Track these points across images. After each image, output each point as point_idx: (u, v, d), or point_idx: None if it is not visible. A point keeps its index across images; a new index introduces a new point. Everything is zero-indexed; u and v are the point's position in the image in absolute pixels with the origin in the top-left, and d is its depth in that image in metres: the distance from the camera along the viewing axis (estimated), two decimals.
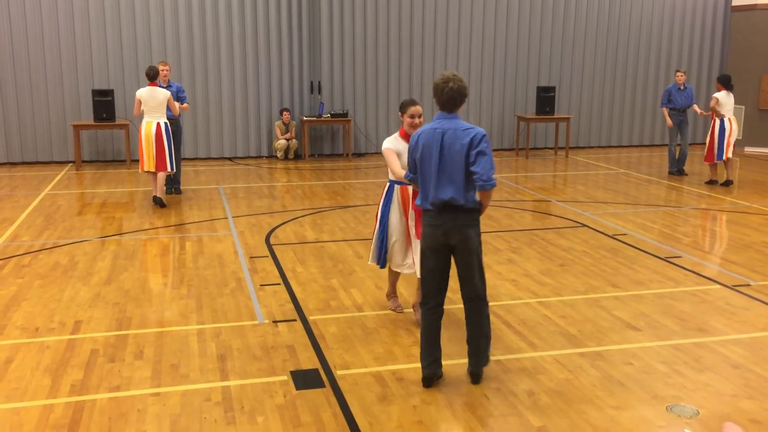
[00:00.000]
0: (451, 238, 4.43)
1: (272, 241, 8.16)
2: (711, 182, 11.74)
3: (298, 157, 14.42)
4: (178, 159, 10.48)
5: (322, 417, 4.21)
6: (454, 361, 4.89)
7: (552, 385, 4.62)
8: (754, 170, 13.33)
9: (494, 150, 15.45)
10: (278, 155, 14.22)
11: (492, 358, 4.98)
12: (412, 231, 5.40)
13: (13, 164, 13.33)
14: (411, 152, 4.53)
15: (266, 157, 14.47)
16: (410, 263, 5.49)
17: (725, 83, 11.50)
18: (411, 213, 5.39)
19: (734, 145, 11.60)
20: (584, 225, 8.95)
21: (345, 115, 14.32)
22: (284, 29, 14.14)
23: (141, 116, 9.91)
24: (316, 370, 4.82)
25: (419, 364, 4.72)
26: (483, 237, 7.31)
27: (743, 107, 15.73)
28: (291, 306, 6.04)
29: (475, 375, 4.64)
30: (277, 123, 14.17)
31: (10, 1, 12.84)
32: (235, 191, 11.07)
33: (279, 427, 4.09)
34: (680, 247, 8.00)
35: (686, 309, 6.03)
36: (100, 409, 4.29)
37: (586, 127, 16.19)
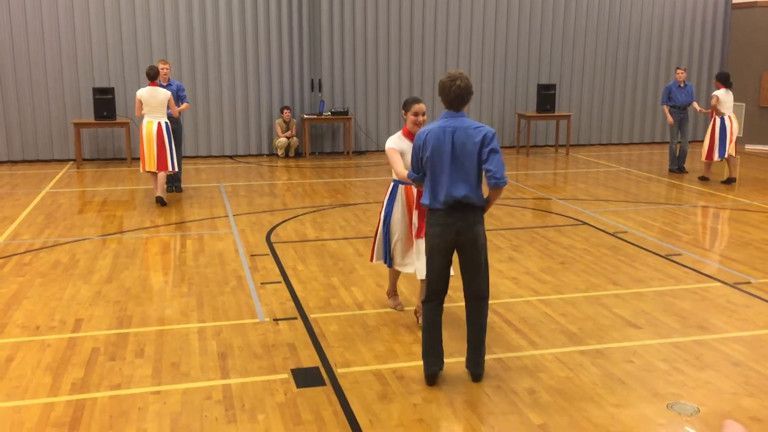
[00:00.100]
0: (462, 237, 4.43)
1: (273, 239, 8.16)
2: (703, 179, 11.76)
3: (298, 155, 14.42)
4: (179, 157, 10.48)
5: (323, 415, 4.21)
6: (455, 359, 4.89)
7: (553, 383, 4.62)
8: (755, 168, 13.32)
9: None
10: (279, 153, 14.21)
11: (493, 356, 4.98)
12: (415, 231, 5.37)
13: (14, 162, 13.33)
14: (416, 151, 4.48)
15: (267, 155, 14.47)
16: (410, 262, 5.47)
17: (724, 81, 11.50)
18: (415, 213, 5.34)
19: (736, 143, 11.61)
20: (585, 223, 8.95)
21: (345, 113, 14.32)
22: (285, 27, 14.13)
23: (141, 116, 9.91)
24: (316, 368, 4.82)
25: (420, 362, 4.72)
26: (484, 237, 7.29)
27: (743, 104, 15.72)
28: (292, 304, 6.05)
29: (476, 374, 4.65)
30: (278, 121, 14.17)
31: (11, 0, 12.84)
32: (235, 189, 11.07)
33: (280, 426, 4.09)
34: (681, 244, 8.00)
35: (687, 307, 6.03)
36: (101, 408, 4.29)
37: (586, 124, 16.19)
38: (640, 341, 5.31)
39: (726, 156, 11.42)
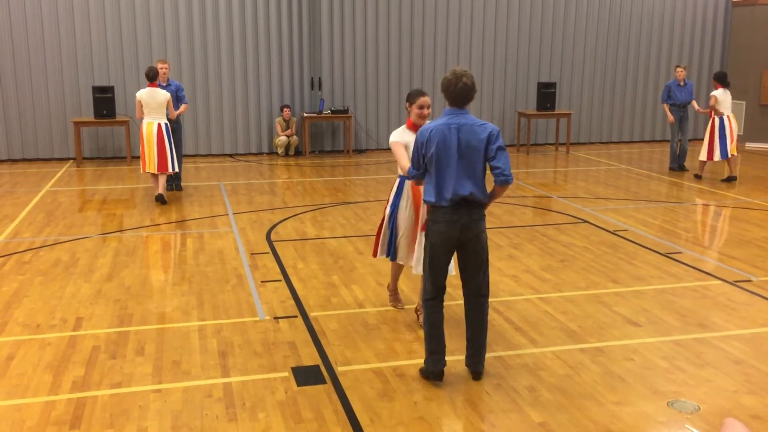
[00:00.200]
0: (466, 234, 4.43)
1: (273, 237, 8.16)
2: (696, 176, 11.77)
3: (298, 153, 14.42)
4: (180, 156, 10.49)
5: (324, 413, 4.21)
6: (455, 357, 4.88)
7: (553, 381, 4.62)
8: (755, 166, 13.32)
9: None
10: (279, 152, 14.21)
11: (493, 354, 4.99)
12: (421, 225, 5.33)
13: (14, 161, 13.33)
14: (419, 147, 4.44)
15: (267, 153, 14.47)
16: (413, 259, 5.43)
17: (722, 81, 11.51)
18: (423, 207, 5.23)
19: (737, 142, 11.61)
20: (585, 221, 8.95)
21: (345, 111, 14.31)
22: (284, 26, 14.12)
23: (141, 117, 9.93)
24: (317, 367, 4.82)
25: (420, 360, 4.72)
26: (486, 234, 7.27)
27: (744, 103, 15.72)
28: (292, 302, 6.05)
29: (477, 373, 4.65)
30: (278, 119, 14.17)
31: None
32: (235, 188, 11.07)
33: (280, 424, 4.10)
34: (681, 242, 8.00)
35: (687, 305, 6.03)
36: (102, 406, 4.29)
37: (586, 122, 16.19)
38: (640, 339, 5.31)
39: (729, 156, 11.42)
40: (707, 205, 10.07)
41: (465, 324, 4.69)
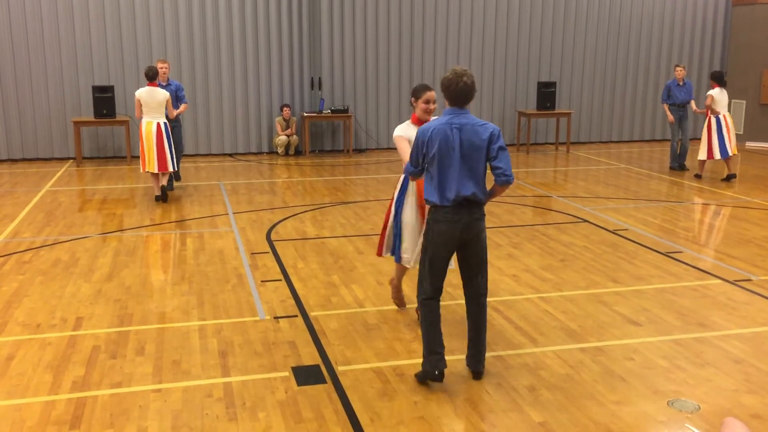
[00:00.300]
0: (468, 233, 4.43)
1: (273, 237, 8.16)
2: (697, 176, 11.78)
3: (298, 153, 14.42)
4: (179, 154, 10.54)
5: (324, 413, 4.21)
6: (455, 357, 4.89)
7: (553, 381, 4.62)
8: (755, 165, 13.32)
9: None
10: (279, 151, 14.21)
11: (493, 353, 4.99)
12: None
13: (14, 161, 13.33)
14: (419, 146, 4.41)
15: (267, 153, 14.47)
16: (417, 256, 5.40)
17: (719, 80, 11.55)
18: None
19: (735, 140, 11.62)
20: (585, 220, 8.95)
21: (345, 111, 14.31)
22: (284, 25, 14.12)
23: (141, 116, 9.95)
24: (317, 366, 4.82)
25: (420, 360, 4.71)
26: (486, 233, 7.26)
27: (744, 102, 15.72)
28: (292, 302, 6.05)
29: (478, 372, 4.64)
30: (278, 119, 14.17)
31: None
32: (235, 187, 11.06)
33: (280, 423, 4.10)
34: (681, 242, 8.00)
35: (687, 304, 6.03)
36: (102, 405, 4.29)
37: (586, 122, 16.19)
38: (640, 338, 5.31)
39: (730, 155, 11.43)
40: (707, 204, 10.07)
41: (467, 324, 4.68)
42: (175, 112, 10.14)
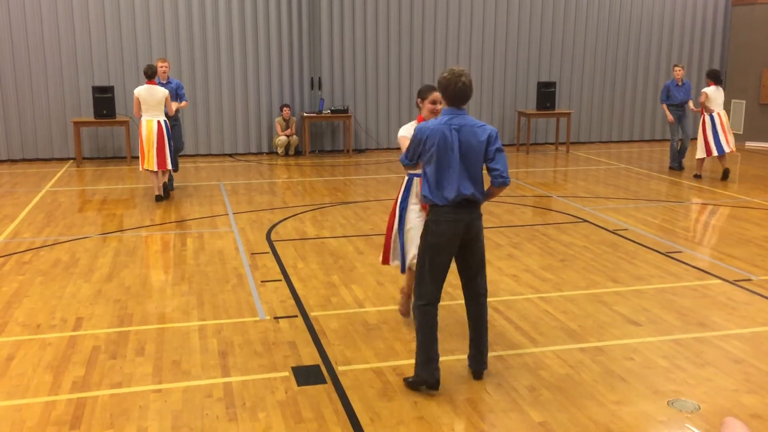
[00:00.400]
0: (468, 233, 4.42)
1: (273, 237, 8.16)
2: (696, 176, 11.79)
3: (298, 153, 14.41)
4: (178, 151, 10.60)
5: (324, 413, 4.21)
6: (455, 357, 4.89)
7: (553, 381, 4.62)
8: (755, 165, 13.32)
9: None
10: (279, 151, 14.21)
11: (493, 353, 4.98)
12: None
13: (14, 161, 13.33)
14: (416, 143, 4.41)
15: (267, 153, 14.47)
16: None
17: (715, 78, 11.59)
18: None
19: (732, 138, 11.62)
20: (585, 220, 8.95)
21: (345, 111, 14.31)
22: (284, 25, 14.12)
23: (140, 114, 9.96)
24: (317, 366, 4.82)
25: None
26: (483, 233, 7.30)
27: (744, 102, 15.72)
28: (292, 302, 6.05)
29: (480, 372, 4.64)
30: (278, 119, 14.16)
31: None
32: (235, 188, 11.06)
33: (280, 423, 4.10)
34: (681, 242, 8.00)
35: (687, 304, 6.03)
36: (102, 406, 4.29)
37: (586, 122, 16.19)
38: (640, 338, 5.31)
39: (728, 151, 11.46)
40: (707, 204, 10.07)
41: (468, 325, 4.67)
42: (174, 106, 10.13)
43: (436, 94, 5.05)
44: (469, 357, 4.69)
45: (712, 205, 9.97)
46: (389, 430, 4.03)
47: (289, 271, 6.90)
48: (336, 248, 7.68)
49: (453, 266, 4.61)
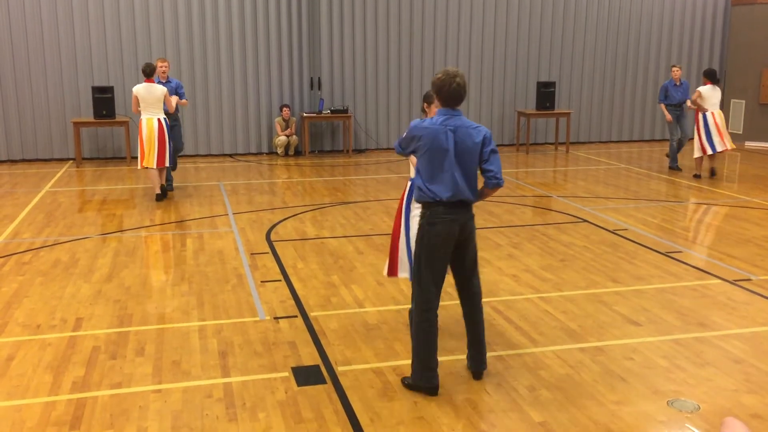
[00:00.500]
0: (464, 233, 4.42)
1: (273, 237, 8.16)
2: (696, 176, 11.82)
3: (298, 153, 14.41)
4: (177, 152, 10.63)
5: (324, 413, 4.21)
6: (455, 356, 4.89)
7: (553, 381, 4.62)
8: (755, 165, 13.32)
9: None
10: (278, 152, 14.21)
11: (493, 353, 4.99)
12: None
13: (14, 161, 13.33)
14: (410, 139, 4.40)
15: (266, 153, 14.47)
16: None
17: (711, 77, 11.62)
18: None
19: (727, 137, 11.62)
20: (585, 220, 8.95)
21: (345, 111, 14.31)
22: (284, 25, 14.12)
23: (138, 112, 9.98)
24: (317, 367, 4.82)
25: None
26: (484, 233, 7.31)
27: (743, 102, 15.72)
28: (292, 302, 6.05)
29: (480, 372, 4.64)
30: (277, 119, 14.16)
31: None
32: (235, 188, 11.06)
33: (280, 424, 4.10)
34: (681, 242, 8.00)
35: (687, 304, 6.03)
36: (102, 406, 4.29)
37: (586, 122, 16.18)
38: (640, 338, 5.31)
39: (722, 150, 11.50)
40: (707, 204, 10.07)
41: (465, 327, 4.66)
42: (173, 101, 10.13)
43: None
44: (468, 358, 4.68)
45: (711, 205, 9.97)
46: (389, 430, 4.03)
47: (289, 271, 6.90)
48: (336, 248, 7.68)
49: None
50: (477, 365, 4.63)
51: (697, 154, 11.74)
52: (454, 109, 4.38)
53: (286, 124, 14.16)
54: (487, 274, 6.71)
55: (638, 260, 7.26)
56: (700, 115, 11.64)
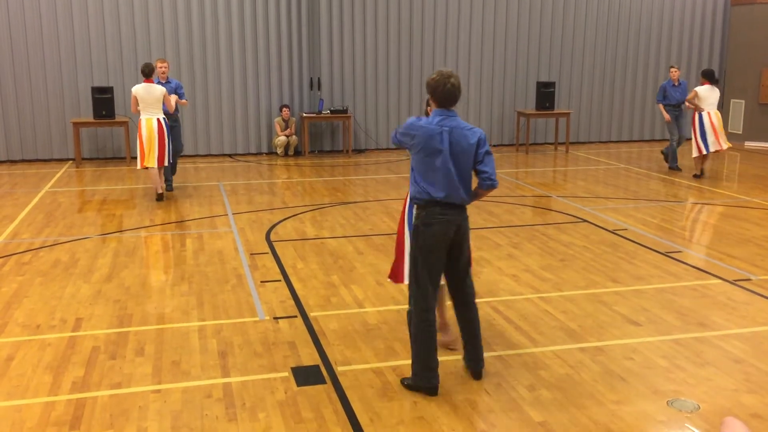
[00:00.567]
0: (458, 234, 4.43)
1: (272, 237, 8.16)
2: (696, 176, 11.84)
3: (297, 153, 14.41)
4: (177, 154, 10.63)
5: (323, 413, 4.21)
6: (455, 356, 4.89)
7: (553, 380, 4.62)
8: (755, 165, 13.32)
9: (494, 146, 15.49)
10: (278, 152, 14.21)
11: (493, 353, 4.99)
12: None
13: (13, 162, 13.33)
14: (405, 137, 4.40)
15: (266, 153, 14.47)
16: None
17: (709, 77, 11.65)
18: None
19: (723, 137, 11.61)
20: (585, 220, 8.95)
21: (345, 111, 14.31)
22: (284, 25, 14.12)
23: (137, 112, 9.99)
24: (317, 367, 4.82)
25: None
26: (483, 233, 7.31)
27: (743, 101, 15.72)
28: (292, 302, 6.05)
29: (478, 371, 4.64)
30: (277, 119, 14.16)
31: None
32: (235, 188, 11.06)
33: (280, 424, 4.10)
34: (680, 241, 8.00)
35: (687, 304, 6.03)
36: (102, 406, 4.29)
37: (586, 122, 16.19)
38: (640, 338, 5.31)
39: (715, 149, 11.52)
40: (707, 204, 10.07)
41: (460, 328, 4.65)
42: (173, 100, 10.12)
43: None
44: (465, 359, 4.68)
45: (711, 205, 9.97)
46: (389, 430, 4.03)
47: (289, 271, 6.90)
48: (336, 248, 7.68)
49: None
50: (475, 364, 4.63)
51: (694, 153, 11.79)
52: (449, 109, 4.39)
53: (286, 124, 14.16)
54: (486, 274, 6.71)
55: (638, 260, 7.26)
56: (696, 115, 11.68)
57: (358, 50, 14.58)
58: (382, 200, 10.11)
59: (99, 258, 7.34)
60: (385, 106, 14.93)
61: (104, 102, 12.90)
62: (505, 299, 6.12)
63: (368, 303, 6.04)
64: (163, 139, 9.83)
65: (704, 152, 11.62)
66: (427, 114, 5.06)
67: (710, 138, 11.52)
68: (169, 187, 10.66)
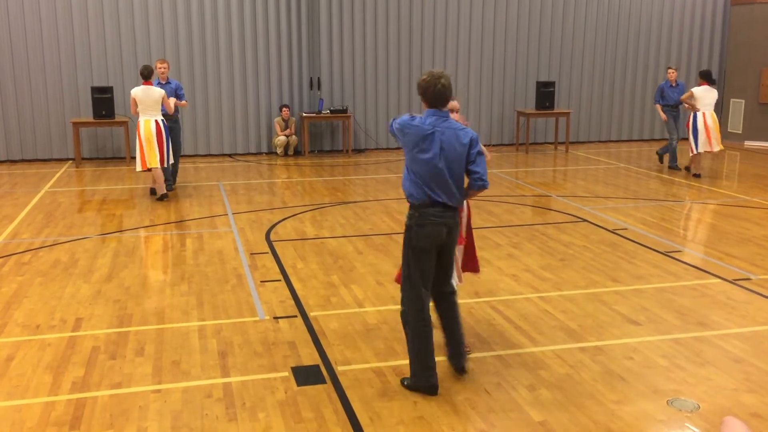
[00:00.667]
0: (450, 235, 4.44)
1: (272, 237, 8.16)
2: (695, 176, 11.84)
3: (297, 153, 14.41)
4: (177, 155, 10.64)
5: (324, 413, 4.21)
6: None
7: (553, 380, 4.62)
8: (755, 164, 13.32)
9: (494, 145, 15.50)
10: (278, 152, 14.20)
11: (493, 353, 4.99)
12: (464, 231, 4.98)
13: (13, 162, 13.32)
14: (399, 133, 4.41)
15: (266, 153, 14.47)
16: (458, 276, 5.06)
17: (707, 78, 11.65)
18: (464, 215, 4.95)
19: (715, 138, 11.61)
20: (584, 220, 8.95)
21: (344, 111, 14.31)
22: (283, 25, 14.12)
23: (137, 114, 10.00)
24: (317, 366, 4.82)
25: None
26: (483, 232, 7.33)
27: (743, 101, 15.72)
28: (291, 302, 6.05)
29: (462, 367, 4.63)
30: (277, 119, 14.16)
31: None
32: (235, 188, 11.06)
33: (280, 423, 4.10)
34: (680, 241, 8.00)
35: (687, 303, 6.03)
36: (102, 406, 4.29)
37: (585, 121, 16.19)
38: (640, 338, 5.31)
39: (706, 150, 11.54)
40: (706, 203, 10.07)
41: (441, 326, 4.64)
42: (172, 103, 10.14)
43: (452, 104, 4.90)
44: (449, 356, 4.67)
45: (711, 205, 9.97)
46: (389, 430, 4.03)
47: (289, 271, 6.90)
48: (335, 248, 7.68)
49: None
50: (457, 362, 4.63)
51: (691, 152, 11.79)
52: (441, 110, 4.39)
53: (286, 124, 14.16)
54: (486, 274, 6.71)
55: (638, 260, 7.27)
56: (692, 115, 11.69)
57: (358, 50, 14.59)
58: (381, 200, 10.11)
59: (99, 258, 7.34)
60: (385, 105, 14.93)
61: (104, 102, 12.90)
62: (504, 299, 6.12)
63: (368, 303, 6.04)
64: (162, 140, 9.85)
65: (695, 152, 11.64)
66: None
67: (701, 138, 11.53)
68: (169, 187, 10.67)
